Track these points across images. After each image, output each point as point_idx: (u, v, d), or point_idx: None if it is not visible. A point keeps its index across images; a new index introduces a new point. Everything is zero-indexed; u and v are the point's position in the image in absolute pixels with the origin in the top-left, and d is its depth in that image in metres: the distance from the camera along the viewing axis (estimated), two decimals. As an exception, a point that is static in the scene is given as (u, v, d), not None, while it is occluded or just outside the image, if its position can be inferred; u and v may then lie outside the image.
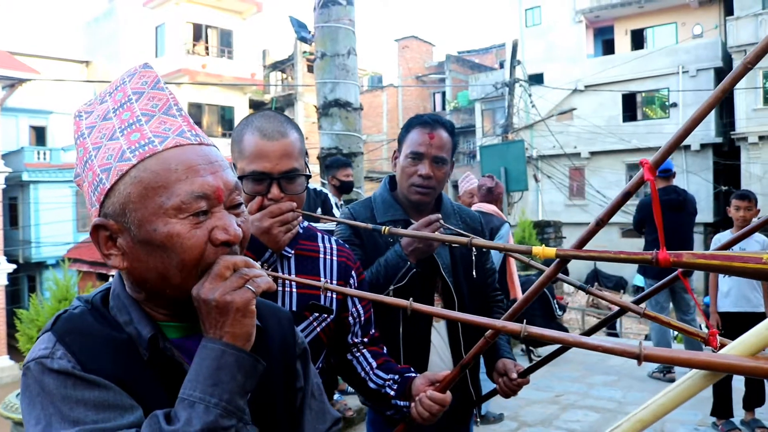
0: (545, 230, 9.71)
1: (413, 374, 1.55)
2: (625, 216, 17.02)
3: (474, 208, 4.26)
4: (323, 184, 5.16)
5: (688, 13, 21.68)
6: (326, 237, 1.61)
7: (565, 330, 7.24)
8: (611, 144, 21.34)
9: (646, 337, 12.20)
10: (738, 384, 4.34)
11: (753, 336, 0.69)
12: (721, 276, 4.43)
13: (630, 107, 22.14)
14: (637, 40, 23.09)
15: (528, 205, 19.84)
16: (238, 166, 1.41)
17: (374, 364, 1.59)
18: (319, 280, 1.22)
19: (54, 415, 0.77)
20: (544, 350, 5.99)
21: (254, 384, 0.84)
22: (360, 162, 5.43)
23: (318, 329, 1.49)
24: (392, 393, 1.54)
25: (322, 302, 1.50)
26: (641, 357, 0.70)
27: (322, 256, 1.56)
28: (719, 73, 19.86)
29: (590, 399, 5.20)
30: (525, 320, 1.00)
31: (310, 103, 23.48)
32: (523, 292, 5.88)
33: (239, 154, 1.42)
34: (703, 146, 20.10)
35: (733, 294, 4.36)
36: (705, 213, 18.95)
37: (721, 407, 4.30)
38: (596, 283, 19.38)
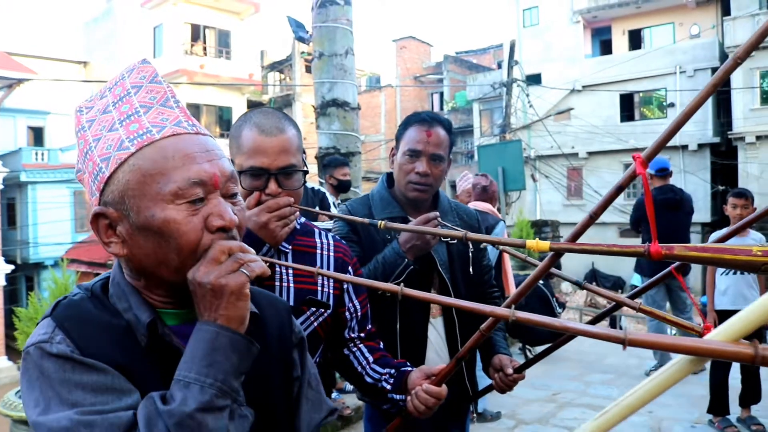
0: (542, 230, 9.74)
1: (409, 368, 1.56)
2: (623, 216, 17.10)
3: (470, 206, 4.27)
4: (321, 184, 5.17)
5: (685, 14, 21.73)
6: (323, 233, 1.63)
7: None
8: (609, 144, 21.38)
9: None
10: (734, 382, 4.37)
11: (736, 323, 0.71)
12: (718, 274, 4.46)
13: (628, 107, 22.18)
14: (635, 40, 23.14)
15: (526, 205, 19.86)
16: (236, 161, 1.42)
17: (371, 359, 1.61)
18: (321, 270, 1.23)
19: (53, 398, 0.79)
20: (541, 349, 6.00)
21: (249, 366, 0.86)
22: (358, 161, 5.44)
23: (315, 324, 1.50)
24: (389, 387, 1.55)
25: (319, 297, 1.51)
26: (626, 341, 0.72)
27: (319, 251, 1.57)
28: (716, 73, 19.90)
29: (587, 397, 5.22)
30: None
31: (308, 103, 23.46)
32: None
33: (237, 150, 1.43)
34: (701, 146, 20.15)
35: (731, 292, 4.38)
36: (702, 213, 19.00)
37: (718, 405, 4.33)
38: (594, 283, 19.39)
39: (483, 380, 2.13)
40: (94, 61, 25.75)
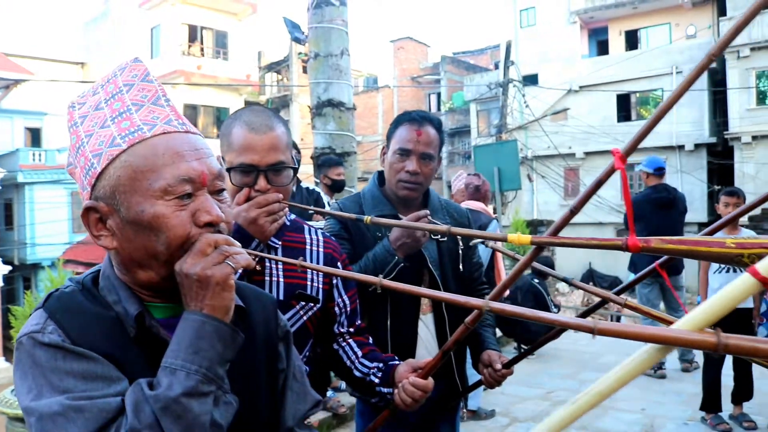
0: (539, 229, 9.79)
1: (397, 362, 1.58)
2: (619, 216, 17.15)
3: (462, 206, 4.29)
4: (317, 184, 5.20)
5: (681, 14, 21.80)
6: (313, 229, 1.65)
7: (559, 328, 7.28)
8: (606, 144, 21.37)
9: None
10: (727, 380, 4.40)
11: (701, 312, 0.73)
12: (711, 272, 4.49)
13: (624, 107, 22.23)
14: (631, 40, 23.20)
15: (522, 205, 19.89)
16: (227, 158, 1.45)
17: (360, 353, 1.63)
18: (303, 262, 1.26)
19: (45, 385, 0.82)
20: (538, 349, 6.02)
21: (233, 354, 0.89)
22: (353, 161, 5.47)
23: (304, 318, 1.53)
24: (377, 381, 1.57)
25: (309, 292, 1.53)
26: (595, 330, 0.75)
27: (308, 247, 1.60)
28: (713, 74, 19.98)
29: (582, 395, 5.24)
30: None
31: (305, 104, 23.39)
32: (518, 292, 5.93)
33: (228, 147, 1.45)
34: (697, 146, 20.21)
35: (723, 291, 4.41)
36: (699, 212, 19.06)
37: (710, 402, 4.37)
38: (591, 283, 19.44)
39: (474, 377, 2.15)
40: (91, 62, 25.77)
